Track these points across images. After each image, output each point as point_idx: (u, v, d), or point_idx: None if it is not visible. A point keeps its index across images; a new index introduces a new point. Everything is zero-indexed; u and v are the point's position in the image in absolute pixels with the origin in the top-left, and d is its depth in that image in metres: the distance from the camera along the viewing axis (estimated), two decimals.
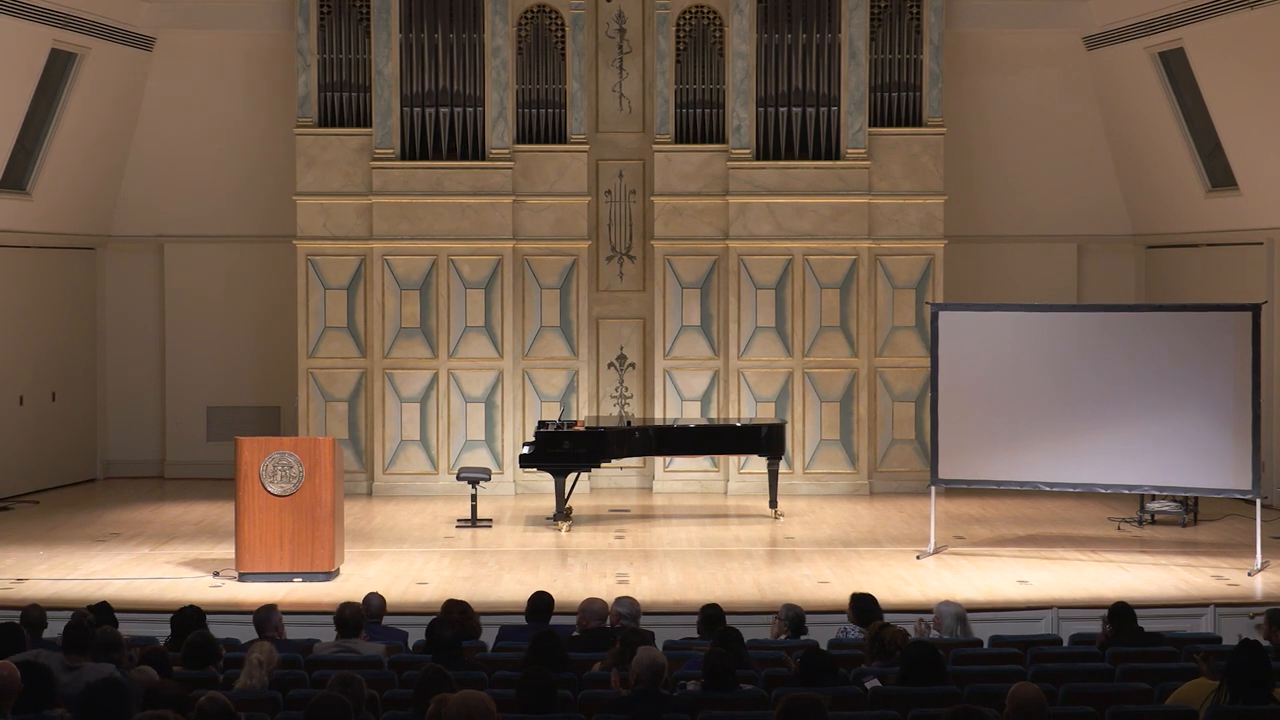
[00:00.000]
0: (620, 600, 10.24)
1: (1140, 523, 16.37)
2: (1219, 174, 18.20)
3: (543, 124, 18.70)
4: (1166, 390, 14.17)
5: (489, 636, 10.52)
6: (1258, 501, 14.28)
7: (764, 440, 16.80)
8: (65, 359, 19.66)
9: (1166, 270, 19.90)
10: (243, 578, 13.37)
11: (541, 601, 10.67)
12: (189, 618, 9.80)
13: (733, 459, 18.61)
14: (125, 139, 19.77)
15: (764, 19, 18.55)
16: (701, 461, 18.76)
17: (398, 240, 18.61)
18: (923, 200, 18.70)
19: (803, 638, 10.16)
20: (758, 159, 18.62)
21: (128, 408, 20.26)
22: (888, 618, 9.98)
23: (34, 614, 9.72)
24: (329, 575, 13.45)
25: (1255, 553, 14.09)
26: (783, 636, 10.23)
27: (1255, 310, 13.97)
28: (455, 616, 9.79)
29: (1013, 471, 14.86)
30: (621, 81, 19.26)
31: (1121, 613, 10.04)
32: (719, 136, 18.75)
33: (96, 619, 9.34)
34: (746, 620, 11.28)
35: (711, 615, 10.21)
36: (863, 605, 10.26)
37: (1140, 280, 20.30)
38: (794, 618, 10.30)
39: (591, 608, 10.04)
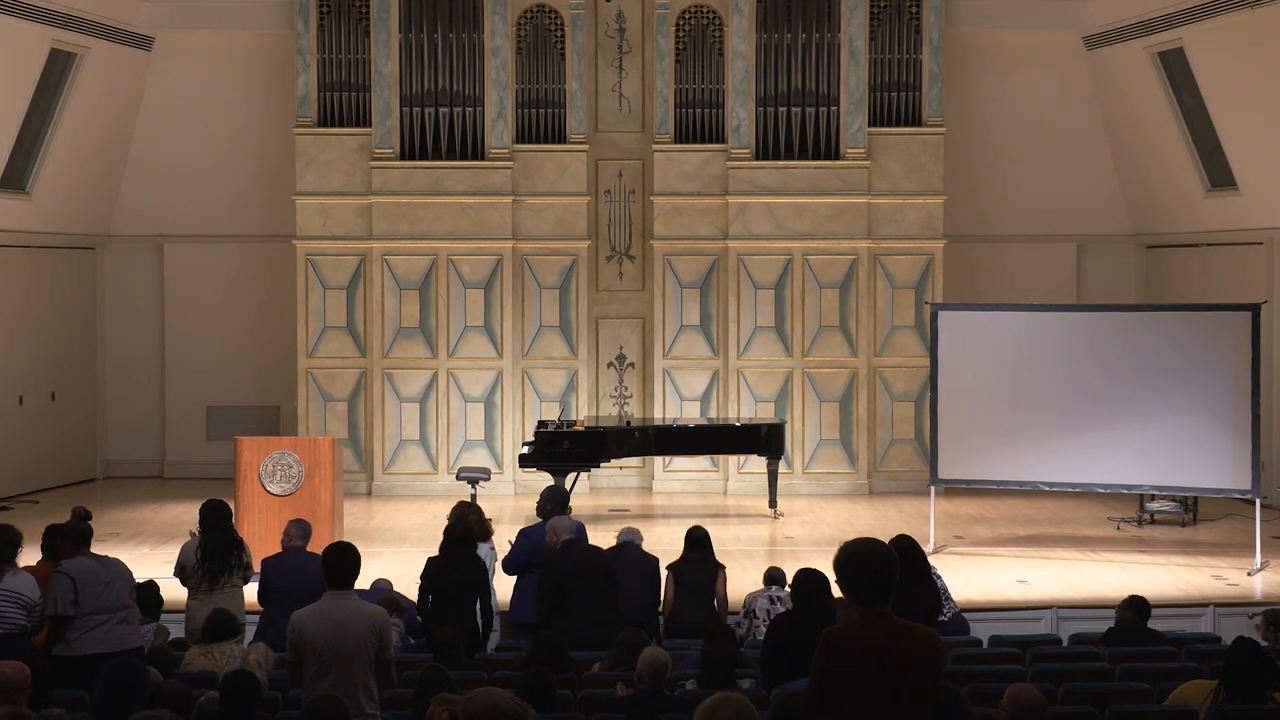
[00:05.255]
0: (559, 520, 10.44)
1: (1140, 522, 16.37)
2: (1218, 174, 18.19)
3: (542, 124, 18.70)
4: (1166, 390, 14.16)
5: (495, 633, 10.55)
6: (1257, 501, 14.28)
7: (763, 440, 16.79)
8: (65, 359, 19.66)
9: (1166, 270, 19.89)
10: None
11: (558, 493, 11.28)
12: (217, 510, 10.40)
13: (732, 459, 18.60)
14: (125, 139, 19.76)
15: (763, 19, 18.54)
16: (701, 461, 18.75)
17: (397, 240, 18.61)
18: (922, 200, 18.69)
19: None
20: (757, 159, 18.62)
21: (127, 408, 20.26)
22: None
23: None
24: None
25: (1255, 552, 14.10)
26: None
27: (1255, 310, 13.97)
28: (459, 514, 10.33)
29: (1012, 471, 14.85)
30: (621, 81, 19.26)
31: (1140, 605, 10.07)
32: (718, 136, 18.74)
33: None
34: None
35: (697, 537, 10.69)
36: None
37: (1140, 280, 20.30)
38: (777, 577, 10.40)
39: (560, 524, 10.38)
